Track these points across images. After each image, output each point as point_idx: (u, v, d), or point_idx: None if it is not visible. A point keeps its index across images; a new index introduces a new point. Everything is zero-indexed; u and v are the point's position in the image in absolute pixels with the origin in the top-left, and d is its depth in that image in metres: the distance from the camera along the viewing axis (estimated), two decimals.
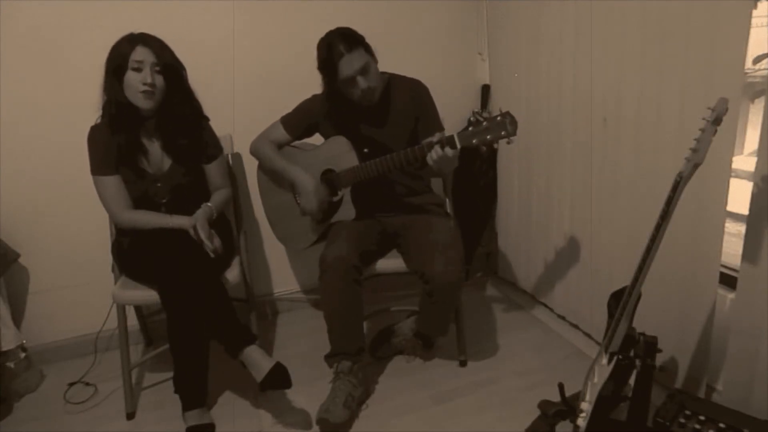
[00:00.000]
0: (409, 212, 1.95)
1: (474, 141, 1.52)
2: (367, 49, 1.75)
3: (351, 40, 1.71)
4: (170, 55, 1.74)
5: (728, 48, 1.38)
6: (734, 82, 1.39)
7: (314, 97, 1.94)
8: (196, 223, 1.72)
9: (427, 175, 2.02)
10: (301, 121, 1.96)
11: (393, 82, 1.90)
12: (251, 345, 1.66)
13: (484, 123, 1.50)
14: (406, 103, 1.89)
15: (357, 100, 1.79)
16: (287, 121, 1.97)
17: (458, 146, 1.55)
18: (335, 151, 1.87)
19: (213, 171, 1.93)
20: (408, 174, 1.94)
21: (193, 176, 1.87)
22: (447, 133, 1.87)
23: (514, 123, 1.48)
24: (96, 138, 1.76)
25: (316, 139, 2.01)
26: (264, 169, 2.11)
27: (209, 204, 1.83)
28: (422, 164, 1.65)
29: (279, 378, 1.63)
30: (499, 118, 1.49)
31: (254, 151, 2.04)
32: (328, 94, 1.84)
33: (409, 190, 1.98)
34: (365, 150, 1.85)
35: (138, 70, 1.67)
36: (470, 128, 1.53)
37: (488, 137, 1.50)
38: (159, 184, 1.81)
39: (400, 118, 1.90)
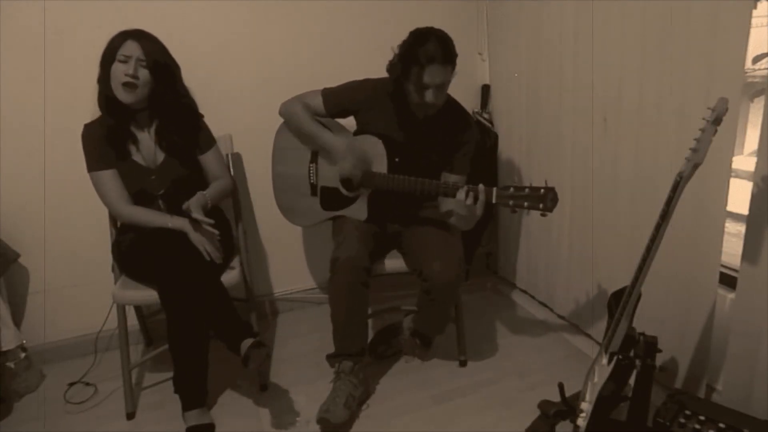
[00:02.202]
0: (418, 223, 1.91)
1: (510, 203, 1.56)
2: (454, 68, 1.69)
3: (449, 54, 1.65)
4: (162, 53, 1.74)
5: (728, 48, 1.38)
6: (734, 82, 1.39)
7: (366, 82, 1.87)
8: (190, 208, 1.70)
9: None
10: (342, 102, 1.87)
11: (449, 106, 1.82)
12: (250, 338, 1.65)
13: (527, 190, 1.53)
14: (451, 133, 1.84)
15: (412, 102, 1.74)
16: (328, 95, 1.87)
17: (494, 201, 1.57)
18: (366, 149, 1.81)
19: (209, 161, 1.92)
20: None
21: (189, 169, 1.87)
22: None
23: (555, 200, 1.51)
24: (90, 135, 1.77)
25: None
26: (290, 130, 1.99)
27: (203, 192, 1.78)
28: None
29: (255, 349, 1.58)
30: (542, 191, 1.51)
31: (284, 110, 1.94)
32: (393, 76, 1.74)
33: (423, 202, 1.94)
34: (396, 159, 1.80)
35: (124, 62, 1.68)
36: (511, 189, 1.55)
37: (525, 204, 1.53)
38: (153, 177, 1.81)
39: (440, 144, 1.84)
